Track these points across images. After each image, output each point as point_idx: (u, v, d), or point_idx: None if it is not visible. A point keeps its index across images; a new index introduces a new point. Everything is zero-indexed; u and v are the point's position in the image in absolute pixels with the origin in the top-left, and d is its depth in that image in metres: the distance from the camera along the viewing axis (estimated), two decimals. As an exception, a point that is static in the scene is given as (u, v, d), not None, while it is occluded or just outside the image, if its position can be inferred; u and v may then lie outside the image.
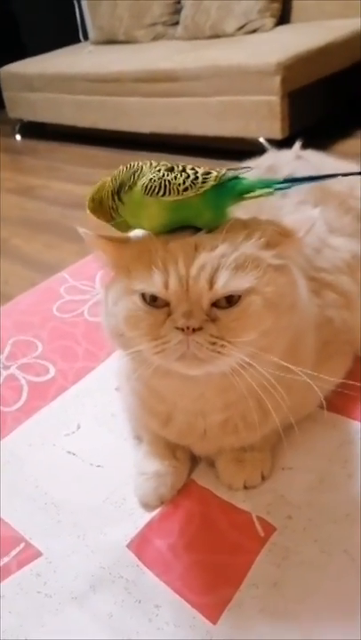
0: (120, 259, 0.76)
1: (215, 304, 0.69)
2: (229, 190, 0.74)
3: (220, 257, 0.68)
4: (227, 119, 2.88)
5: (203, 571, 0.78)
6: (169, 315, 0.69)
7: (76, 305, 1.37)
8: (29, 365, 1.21)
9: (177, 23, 3.57)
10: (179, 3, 3.54)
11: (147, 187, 0.71)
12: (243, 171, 0.76)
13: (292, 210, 0.97)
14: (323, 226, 0.99)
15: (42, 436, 1.04)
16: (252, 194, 0.75)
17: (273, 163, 1.11)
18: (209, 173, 0.72)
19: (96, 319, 1.29)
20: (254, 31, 3.17)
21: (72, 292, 1.43)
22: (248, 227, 0.73)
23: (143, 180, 0.71)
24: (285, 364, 0.71)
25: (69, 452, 1.00)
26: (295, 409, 0.87)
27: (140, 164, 0.74)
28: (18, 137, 4.09)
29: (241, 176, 0.76)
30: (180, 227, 0.73)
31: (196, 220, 0.73)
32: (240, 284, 0.68)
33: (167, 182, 0.70)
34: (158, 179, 0.71)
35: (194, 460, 0.92)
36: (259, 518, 0.82)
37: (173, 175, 0.71)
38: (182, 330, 0.67)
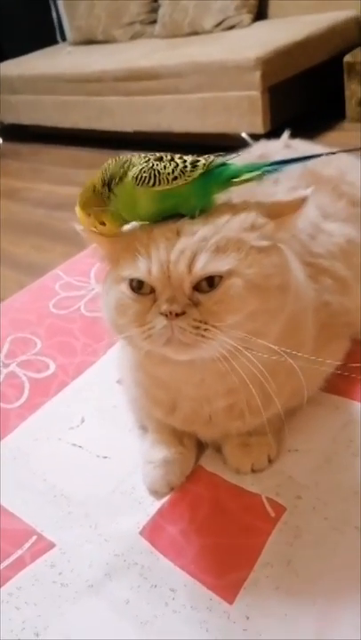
0: (113, 251, 0.78)
1: (197, 288, 0.70)
2: (217, 176, 0.75)
3: (200, 240, 0.70)
4: (209, 115, 2.90)
5: (216, 553, 0.79)
6: (155, 301, 0.71)
7: (72, 301, 1.38)
8: (29, 362, 1.21)
9: (155, 22, 3.59)
10: (156, 1, 3.57)
11: (137, 177, 0.72)
12: (231, 157, 0.78)
13: (285, 196, 0.98)
14: (316, 211, 1.01)
15: (46, 431, 1.05)
16: (240, 178, 0.76)
17: (263, 152, 1.12)
18: (197, 161, 0.74)
19: (93, 314, 1.30)
20: (232, 27, 3.20)
21: (67, 289, 1.44)
22: (234, 209, 0.74)
23: (133, 171, 0.72)
24: (279, 348, 0.72)
25: (75, 445, 1.01)
26: (297, 392, 0.89)
27: (129, 155, 0.75)
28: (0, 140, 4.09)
29: (229, 162, 0.77)
30: (170, 215, 0.74)
31: (183, 207, 0.74)
32: (219, 265, 0.69)
33: (157, 172, 0.71)
34: (148, 169, 0.72)
35: (200, 447, 0.93)
36: (268, 499, 0.83)
37: (163, 165, 0.72)
38: (166, 315, 0.68)
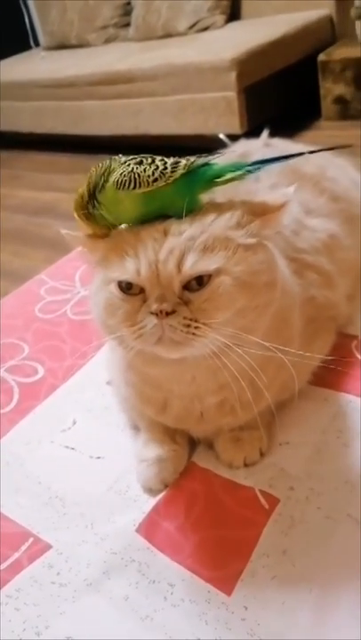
0: (99, 253, 0.79)
1: (187, 287, 0.71)
2: (200, 177, 0.76)
3: (187, 240, 0.71)
4: (186, 117, 2.91)
5: (213, 547, 0.80)
6: (145, 301, 0.71)
7: (58, 305, 1.38)
8: (17, 367, 1.22)
9: (128, 25, 3.60)
10: (129, 4, 3.57)
11: (117, 182, 0.73)
12: (213, 157, 0.79)
13: (267, 193, 0.99)
14: (298, 207, 1.02)
15: (39, 434, 1.05)
16: (222, 178, 0.78)
17: (244, 150, 1.14)
18: (178, 162, 0.75)
19: (80, 317, 1.31)
20: (206, 29, 3.22)
21: (52, 293, 1.44)
22: (220, 208, 0.76)
23: (114, 176, 0.73)
24: (269, 344, 0.74)
25: (68, 447, 1.01)
26: (287, 386, 0.90)
27: (110, 161, 0.76)
28: (-24, 148, 4.06)
29: (211, 162, 0.78)
30: (157, 216, 0.75)
31: (169, 208, 0.75)
32: (208, 264, 0.70)
33: (137, 175, 0.72)
34: (128, 172, 0.73)
35: (192, 443, 0.94)
36: (262, 492, 0.84)
37: (143, 168, 0.73)
38: (156, 314, 0.69)
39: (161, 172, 0.73)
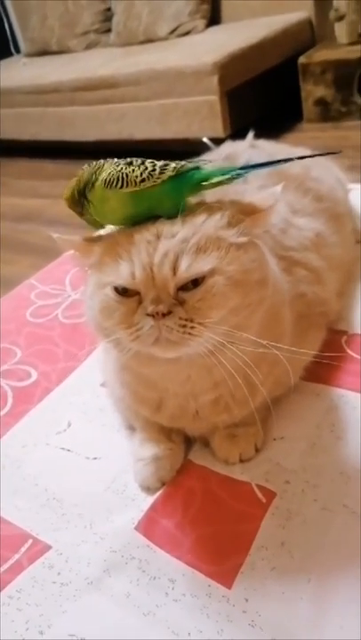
0: (92, 256, 0.79)
1: (182, 287, 0.72)
2: (188, 180, 0.77)
3: (181, 242, 0.72)
4: (169, 121, 2.93)
5: (212, 542, 0.81)
6: (140, 302, 0.72)
7: (49, 309, 1.39)
8: (10, 371, 1.22)
9: (109, 30, 3.61)
10: (109, 10, 3.58)
11: (106, 180, 0.74)
12: (201, 162, 0.81)
13: (255, 194, 1.01)
14: (285, 207, 1.04)
15: (34, 437, 1.06)
16: (210, 181, 0.79)
17: (230, 152, 1.16)
18: (167, 165, 0.76)
19: (72, 321, 1.32)
20: (187, 33, 3.24)
21: (43, 297, 1.45)
22: (210, 209, 0.77)
23: (103, 175, 0.75)
24: (263, 341, 0.75)
25: (64, 449, 1.02)
26: (281, 381, 0.92)
27: (102, 161, 0.78)
28: None
29: (200, 166, 0.79)
30: (147, 218, 0.76)
31: (157, 209, 0.76)
32: (202, 266, 0.71)
33: (125, 175, 0.74)
34: (116, 172, 0.74)
35: (188, 441, 0.95)
36: (258, 486, 0.86)
37: (131, 168, 0.75)
38: (153, 316, 0.70)
39: (149, 173, 0.74)
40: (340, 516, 0.79)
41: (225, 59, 2.69)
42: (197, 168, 0.79)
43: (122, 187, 0.74)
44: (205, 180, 0.79)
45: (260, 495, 0.84)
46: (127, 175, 0.74)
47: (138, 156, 0.78)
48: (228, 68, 2.71)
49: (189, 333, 0.71)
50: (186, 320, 0.71)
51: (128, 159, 0.77)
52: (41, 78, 3.37)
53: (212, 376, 0.81)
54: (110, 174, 0.74)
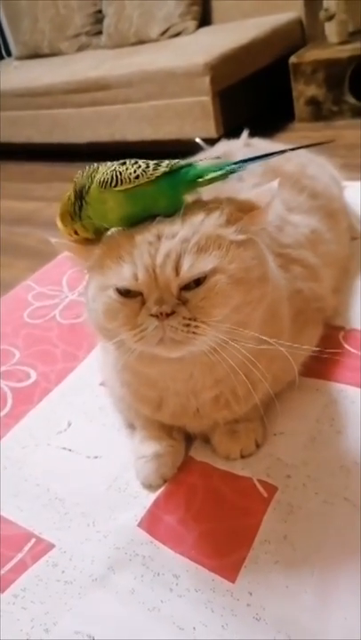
0: (91, 259, 0.80)
1: (184, 287, 0.72)
2: (183, 176, 0.78)
3: (182, 242, 0.72)
4: (161, 123, 2.93)
5: (215, 537, 0.81)
6: (143, 303, 0.73)
7: (47, 310, 1.39)
8: (9, 372, 1.22)
9: (100, 32, 3.60)
10: (100, 12, 3.58)
11: (100, 181, 0.75)
12: (196, 159, 0.81)
13: (251, 192, 1.02)
14: (281, 204, 1.05)
15: (34, 438, 1.06)
16: (205, 178, 0.79)
17: (225, 150, 1.16)
18: (161, 162, 0.77)
19: (70, 321, 1.32)
20: (178, 34, 3.24)
21: (40, 299, 1.45)
22: (207, 207, 0.77)
23: (98, 176, 0.76)
24: (264, 337, 0.76)
25: (65, 449, 1.02)
26: (280, 377, 0.92)
27: (97, 164, 0.78)
28: None
29: (194, 163, 0.80)
30: (145, 218, 0.77)
31: (153, 208, 0.76)
32: (204, 265, 0.72)
33: (119, 173, 0.75)
34: (110, 171, 0.75)
35: (189, 439, 0.96)
36: (260, 481, 0.86)
37: (125, 167, 0.76)
38: (157, 316, 0.71)
39: (143, 170, 0.75)
40: (341, 508, 0.80)
41: (216, 59, 2.69)
42: (191, 165, 0.80)
43: (116, 185, 0.74)
44: (200, 177, 0.79)
45: (261, 490, 0.85)
46: (121, 173, 0.75)
47: (131, 157, 0.79)
48: (220, 68, 2.71)
49: (193, 332, 0.71)
50: (189, 319, 0.71)
51: (122, 160, 0.77)
52: (33, 81, 3.37)
53: (213, 374, 0.82)
54: (104, 174, 0.75)
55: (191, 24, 3.23)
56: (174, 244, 0.72)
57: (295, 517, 0.80)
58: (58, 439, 1.05)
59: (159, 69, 2.83)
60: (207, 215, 0.76)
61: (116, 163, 0.77)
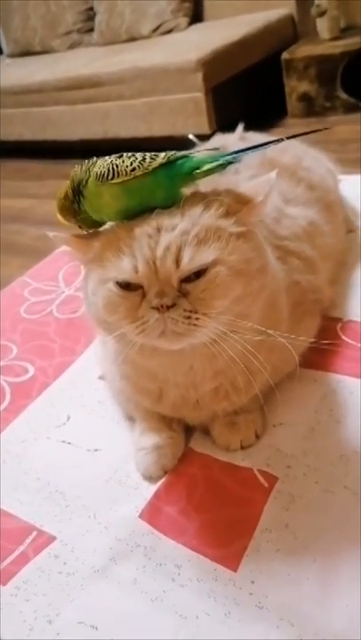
0: (91, 252, 0.80)
1: (184, 279, 0.73)
2: (179, 168, 0.78)
3: (181, 234, 0.72)
4: (154, 119, 2.94)
5: (216, 527, 0.82)
6: (144, 296, 0.73)
7: (43, 305, 1.39)
8: (7, 367, 1.22)
9: (92, 30, 3.61)
10: (91, 9, 3.58)
11: (97, 174, 0.75)
12: (192, 151, 0.81)
13: (247, 184, 1.02)
14: (278, 196, 1.05)
15: (34, 432, 1.06)
16: (202, 169, 0.79)
17: (221, 144, 1.16)
18: (157, 155, 0.77)
19: (67, 316, 1.32)
20: (170, 31, 3.25)
21: (36, 294, 1.45)
22: (206, 198, 0.77)
23: (95, 170, 0.76)
24: (263, 329, 0.77)
25: (65, 442, 1.02)
26: (278, 368, 0.93)
27: (95, 158, 0.78)
28: None
29: (190, 155, 0.80)
30: (143, 211, 0.77)
31: (151, 200, 0.77)
32: (204, 257, 0.72)
33: (115, 166, 0.75)
34: (107, 165, 0.75)
35: (188, 430, 0.96)
36: (260, 471, 0.87)
37: (121, 160, 0.76)
38: (157, 309, 0.71)
39: (139, 163, 0.75)
40: (342, 497, 0.80)
41: (209, 55, 2.70)
42: (188, 156, 0.80)
43: (113, 178, 0.74)
44: (197, 169, 0.79)
45: (262, 480, 0.85)
46: (117, 166, 0.75)
47: (125, 153, 0.79)
48: (213, 64, 2.72)
49: (195, 324, 0.72)
50: (190, 311, 0.72)
51: (119, 154, 0.78)
52: (25, 79, 3.37)
53: (213, 365, 0.82)
54: (101, 167, 0.76)
55: (183, 21, 3.24)
56: (174, 236, 0.72)
57: (296, 506, 0.81)
58: (57, 433, 1.05)
59: (151, 66, 2.83)
60: (206, 207, 0.76)
61: (113, 156, 0.77)
